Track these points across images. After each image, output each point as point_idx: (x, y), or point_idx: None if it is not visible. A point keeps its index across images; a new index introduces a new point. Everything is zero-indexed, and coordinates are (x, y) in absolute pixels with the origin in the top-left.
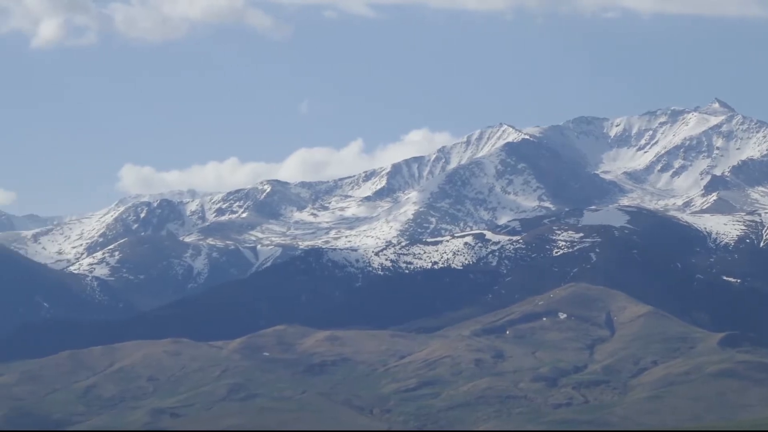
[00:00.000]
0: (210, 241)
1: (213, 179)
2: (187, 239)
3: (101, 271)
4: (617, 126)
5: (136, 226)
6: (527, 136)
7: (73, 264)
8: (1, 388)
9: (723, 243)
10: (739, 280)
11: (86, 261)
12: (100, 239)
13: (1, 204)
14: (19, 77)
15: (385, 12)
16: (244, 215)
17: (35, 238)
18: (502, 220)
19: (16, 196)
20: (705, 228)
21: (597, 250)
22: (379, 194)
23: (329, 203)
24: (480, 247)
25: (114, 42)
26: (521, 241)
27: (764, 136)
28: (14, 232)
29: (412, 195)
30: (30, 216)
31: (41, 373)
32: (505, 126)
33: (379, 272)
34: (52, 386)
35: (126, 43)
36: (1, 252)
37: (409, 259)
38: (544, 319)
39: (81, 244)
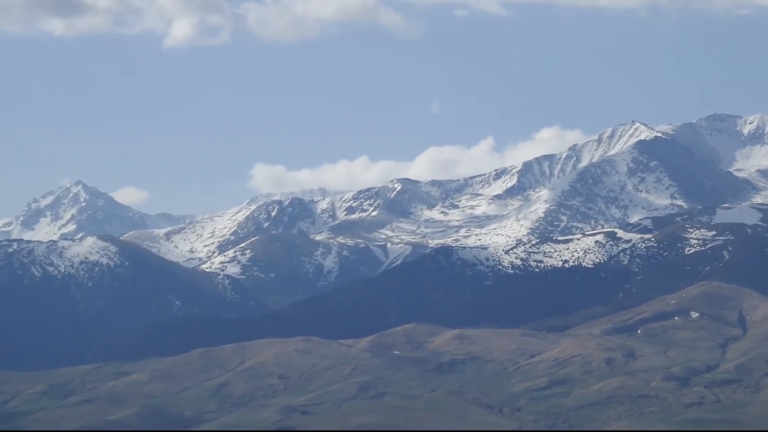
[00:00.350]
0: (340, 239)
1: (343, 178)
2: (318, 238)
3: (233, 270)
4: (750, 123)
5: (267, 224)
6: (660, 134)
7: (204, 262)
8: (134, 386)
9: None
10: None
11: (218, 259)
12: (232, 237)
13: (134, 203)
14: (152, 77)
15: (517, 10)
16: (374, 214)
17: (167, 236)
18: (634, 219)
19: (148, 194)
20: None
21: (730, 248)
22: (510, 192)
23: (459, 201)
24: (611, 245)
25: (247, 42)
26: (653, 239)
27: None
28: (147, 231)
29: (543, 193)
30: (162, 214)
31: (173, 371)
32: (638, 124)
33: (509, 271)
34: (184, 384)
35: (259, 42)
36: (134, 250)
37: (539, 257)
38: (676, 318)
39: (213, 243)
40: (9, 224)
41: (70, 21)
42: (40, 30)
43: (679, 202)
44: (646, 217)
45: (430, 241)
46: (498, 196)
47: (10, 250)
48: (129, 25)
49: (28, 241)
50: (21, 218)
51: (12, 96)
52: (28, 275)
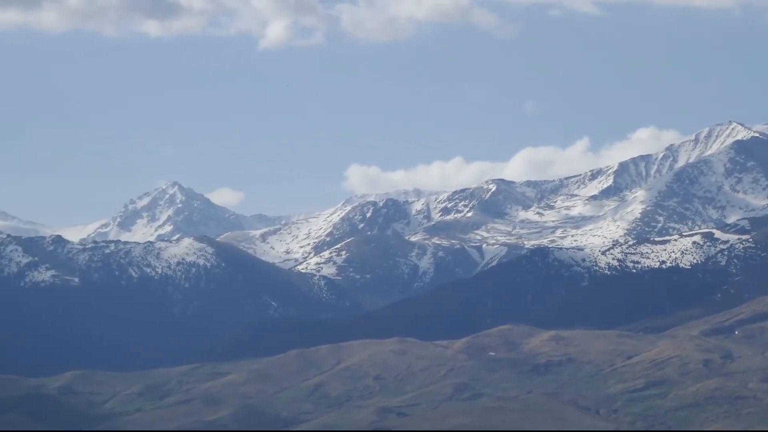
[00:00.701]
0: (435, 240)
1: (438, 178)
2: (413, 238)
3: (328, 271)
4: None
5: (362, 225)
6: (757, 134)
7: (300, 263)
8: (231, 387)
9: None
10: None
11: (313, 260)
12: (327, 239)
13: (230, 204)
14: (247, 78)
15: (612, 9)
16: (469, 214)
17: (263, 237)
18: (731, 219)
19: (244, 196)
20: None
21: None
22: (606, 193)
23: (555, 202)
24: (709, 246)
25: (341, 43)
26: (751, 240)
27: None
28: (243, 232)
29: (640, 194)
30: (258, 216)
31: (269, 372)
32: (735, 123)
33: (606, 272)
34: (280, 385)
35: (353, 43)
36: (231, 251)
37: (636, 258)
38: None
39: (308, 244)
40: (106, 225)
41: (166, 23)
42: (135, 32)
43: None
44: (744, 218)
45: (525, 242)
46: (594, 197)
47: (108, 251)
48: (224, 27)
49: (125, 243)
50: (118, 219)
51: (108, 98)
52: (125, 276)
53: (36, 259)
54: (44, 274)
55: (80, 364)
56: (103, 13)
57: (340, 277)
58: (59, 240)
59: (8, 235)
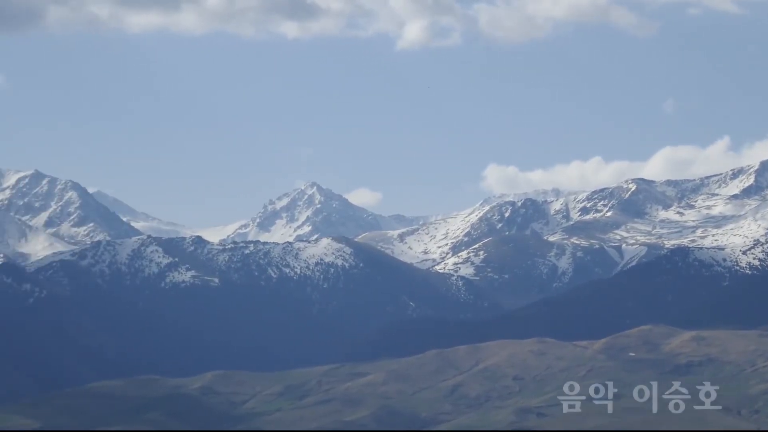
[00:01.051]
0: (574, 240)
1: (577, 178)
2: (551, 238)
3: (466, 271)
4: None
5: (500, 225)
6: None
7: (438, 263)
8: (370, 387)
9: None
10: None
11: (451, 260)
12: (465, 239)
13: (368, 204)
14: (385, 79)
15: (751, 8)
16: (608, 214)
17: (401, 237)
18: None
19: (381, 196)
20: None
21: None
22: (747, 192)
23: (695, 201)
24: None
25: (478, 42)
26: None
27: None
28: (381, 232)
29: None
30: (396, 216)
31: (408, 372)
32: None
33: (747, 271)
34: (419, 385)
35: (490, 43)
36: (369, 252)
37: None
38: None
39: (446, 244)
40: (246, 226)
41: (304, 24)
42: (274, 33)
43: None
44: None
45: (665, 242)
46: (735, 196)
47: (247, 251)
48: (362, 28)
49: (265, 243)
50: (257, 220)
51: (246, 99)
52: (264, 277)
53: (176, 259)
54: (184, 275)
55: (220, 364)
56: (242, 14)
57: (478, 278)
58: (199, 241)
59: (149, 236)
